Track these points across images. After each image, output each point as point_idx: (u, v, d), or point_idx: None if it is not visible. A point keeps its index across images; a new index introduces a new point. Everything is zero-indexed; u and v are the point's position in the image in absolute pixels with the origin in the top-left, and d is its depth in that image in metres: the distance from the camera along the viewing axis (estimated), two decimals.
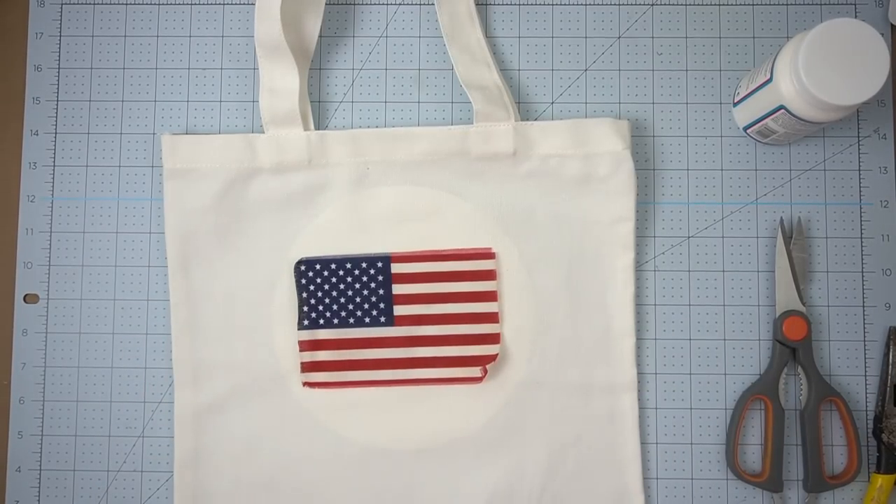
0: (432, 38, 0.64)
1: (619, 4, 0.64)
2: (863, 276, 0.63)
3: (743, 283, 0.63)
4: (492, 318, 0.61)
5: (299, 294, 0.61)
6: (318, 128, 0.63)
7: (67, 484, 0.62)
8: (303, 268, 0.61)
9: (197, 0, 0.65)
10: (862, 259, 0.63)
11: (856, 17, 0.64)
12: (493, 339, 0.61)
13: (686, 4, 0.64)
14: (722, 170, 0.63)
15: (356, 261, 0.61)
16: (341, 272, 0.61)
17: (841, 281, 0.63)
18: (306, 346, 0.61)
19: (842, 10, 0.64)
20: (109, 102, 0.64)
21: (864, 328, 0.62)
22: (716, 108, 0.64)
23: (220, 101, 0.64)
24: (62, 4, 0.65)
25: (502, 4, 0.64)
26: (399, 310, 0.61)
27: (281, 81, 0.61)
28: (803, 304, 0.61)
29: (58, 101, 0.64)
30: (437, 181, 0.61)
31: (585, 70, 0.64)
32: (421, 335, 0.61)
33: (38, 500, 0.62)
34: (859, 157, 0.63)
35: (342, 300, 0.61)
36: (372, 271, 0.61)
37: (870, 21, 0.64)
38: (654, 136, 0.63)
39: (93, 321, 0.63)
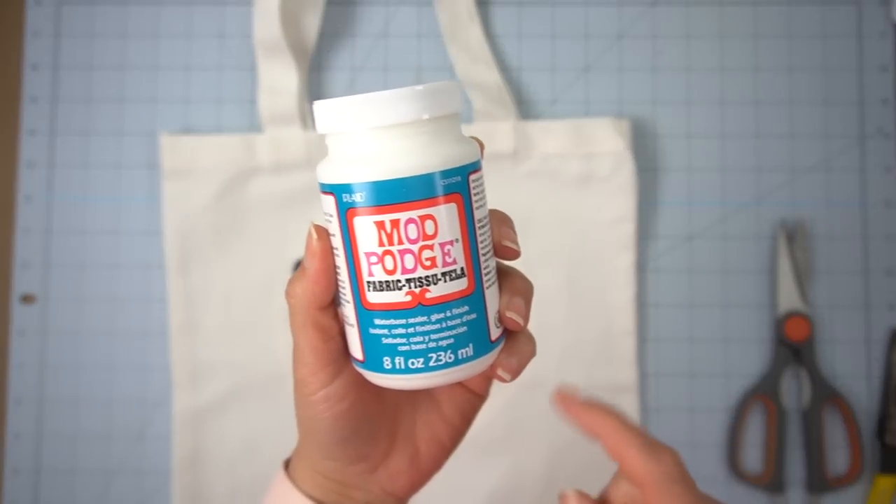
0: (432, 38, 0.64)
1: (620, 4, 0.64)
2: (865, 277, 0.62)
3: (745, 284, 0.62)
4: None
5: None
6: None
7: (66, 485, 0.62)
8: None
9: None
10: (864, 260, 0.62)
11: (859, 16, 0.64)
12: None
13: (686, 4, 0.64)
14: (723, 170, 0.63)
15: None
16: None
17: (843, 282, 0.62)
18: None
19: (843, 9, 0.63)
20: (108, 102, 0.64)
21: (867, 329, 0.62)
22: (717, 108, 0.63)
23: (220, 101, 0.64)
24: (60, 3, 0.64)
25: (502, 4, 0.64)
26: None
27: (280, 81, 0.61)
28: (806, 304, 0.61)
29: (55, 100, 0.64)
30: None
31: (586, 70, 0.64)
32: None
33: (37, 502, 0.62)
34: (862, 157, 0.63)
35: None
36: None
37: (872, 20, 0.63)
38: (655, 136, 0.63)
39: (91, 321, 0.63)
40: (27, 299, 0.63)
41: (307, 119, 0.62)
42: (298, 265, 0.62)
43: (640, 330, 0.62)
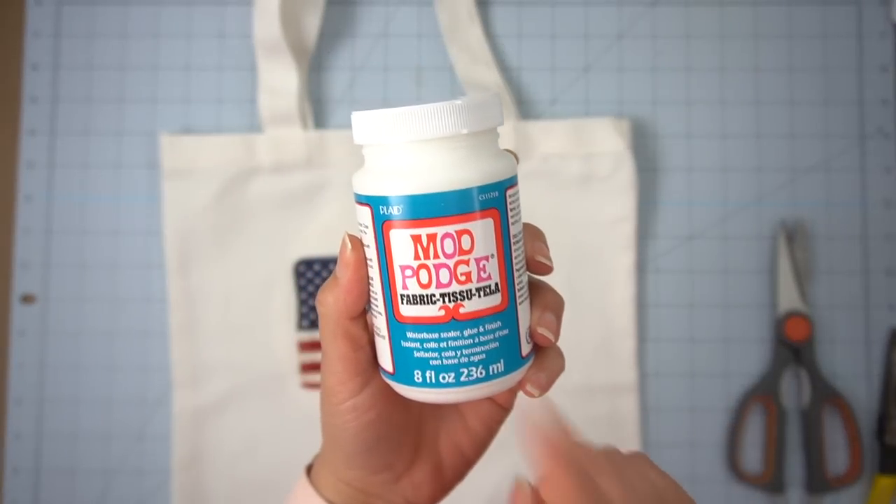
0: (432, 38, 0.64)
1: (620, 4, 0.64)
2: (865, 277, 0.62)
3: (745, 284, 0.62)
4: None
5: (298, 294, 0.61)
6: (317, 127, 0.63)
7: (66, 485, 0.62)
8: (302, 268, 0.61)
9: None
10: (864, 260, 0.62)
11: (859, 16, 0.63)
12: None
13: (686, 4, 0.64)
14: (724, 170, 0.63)
15: None
16: None
17: (843, 282, 0.62)
18: (306, 346, 0.61)
19: (843, 9, 0.63)
20: (108, 102, 0.64)
21: (867, 329, 0.62)
22: (717, 108, 0.63)
23: (220, 101, 0.64)
24: (60, 3, 0.64)
25: (502, 4, 0.64)
26: None
27: (280, 80, 0.61)
28: (806, 304, 0.61)
29: (55, 100, 0.64)
30: None
31: (586, 70, 0.64)
32: None
33: (37, 502, 0.62)
34: (862, 157, 0.63)
35: None
36: None
37: (872, 20, 0.63)
38: (655, 136, 0.63)
39: (91, 321, 0.63)
40: (27, 299, 0.63)
41: (307, 119, 0.62)
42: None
43: (640, 330, 0.62)
